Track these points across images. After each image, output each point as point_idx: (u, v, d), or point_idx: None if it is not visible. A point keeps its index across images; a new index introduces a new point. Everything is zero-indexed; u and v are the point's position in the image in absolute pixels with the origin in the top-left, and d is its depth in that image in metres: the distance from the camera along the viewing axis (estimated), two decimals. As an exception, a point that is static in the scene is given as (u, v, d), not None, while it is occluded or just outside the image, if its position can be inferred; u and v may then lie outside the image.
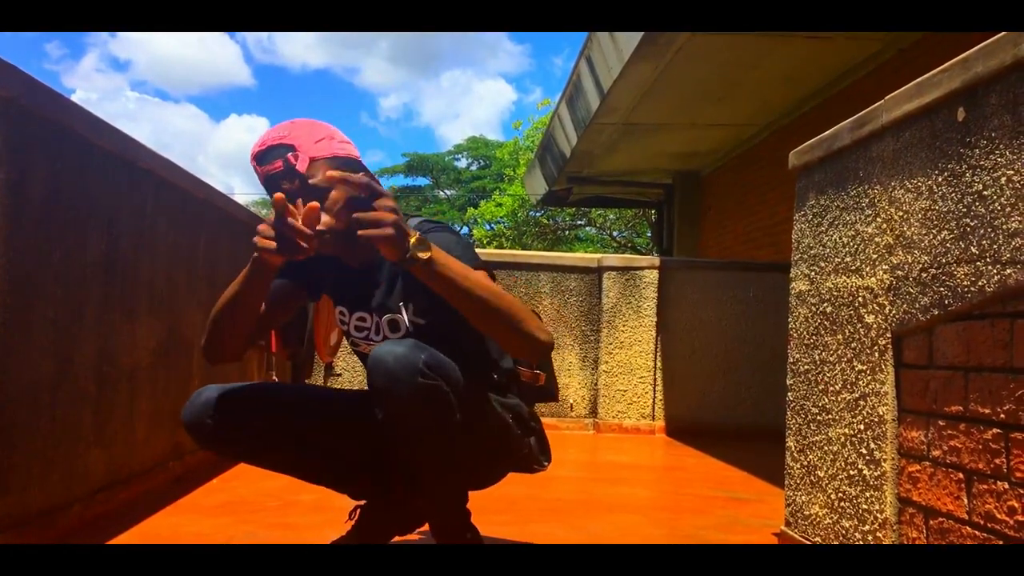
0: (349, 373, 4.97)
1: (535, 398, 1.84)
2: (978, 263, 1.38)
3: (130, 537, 2.07)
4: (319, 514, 2.40)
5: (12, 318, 1.78)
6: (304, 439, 1.68)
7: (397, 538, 1.85)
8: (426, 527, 1.77)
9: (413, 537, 2.15)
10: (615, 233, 20.42)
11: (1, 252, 1.73)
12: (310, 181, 1.50)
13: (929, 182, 1.54)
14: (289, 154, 1.51)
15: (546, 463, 1.80)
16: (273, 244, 1.36)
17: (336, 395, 1.88)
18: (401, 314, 1.65)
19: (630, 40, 5.45)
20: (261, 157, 1.54)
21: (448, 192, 30.36)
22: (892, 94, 1.67)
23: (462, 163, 30.34)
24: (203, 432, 1.58)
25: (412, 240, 1.32)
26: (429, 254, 1.33)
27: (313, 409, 1.72)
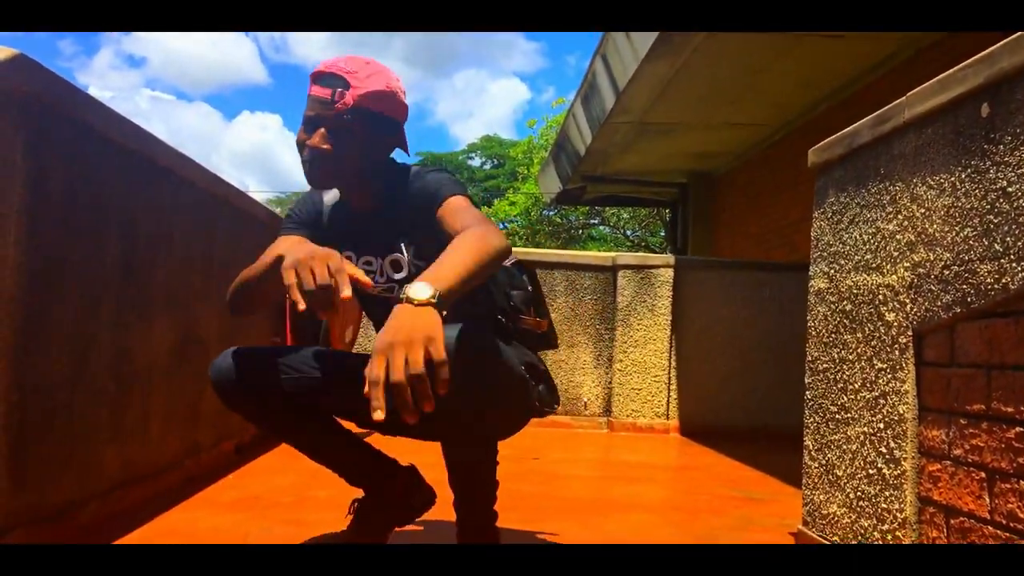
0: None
1: (537, 345, 1.82)
2: (1002, 260, 1.37)
3: (146, 533, 2.08)
4: (333, 511, 2.39)
5: (30, 317, 1.79)
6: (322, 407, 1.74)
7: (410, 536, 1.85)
8: (423, 517, 1.76)
9: (430, 538, 2.15)
10: (628, 232, 20.36)
11: (21, 251, 1.73)
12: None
13: (952, 179, 1.52)
14: (340, 89, 1.61)
15: (556, 406, 1.79)
16: (306, 299, 1.32)
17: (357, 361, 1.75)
18: (403, 253, 1.67)
19: (646, 39, 5.43)
20: (317, 76, 1.64)
21: (462, 191, 30.33)
22: (914, 90, 1.65)
23: (475, 162, 30.36)
24: (226, 391, 1.68)
25: (422, 301, 1.22)
26: (434, 291, 1.23)
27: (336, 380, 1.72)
